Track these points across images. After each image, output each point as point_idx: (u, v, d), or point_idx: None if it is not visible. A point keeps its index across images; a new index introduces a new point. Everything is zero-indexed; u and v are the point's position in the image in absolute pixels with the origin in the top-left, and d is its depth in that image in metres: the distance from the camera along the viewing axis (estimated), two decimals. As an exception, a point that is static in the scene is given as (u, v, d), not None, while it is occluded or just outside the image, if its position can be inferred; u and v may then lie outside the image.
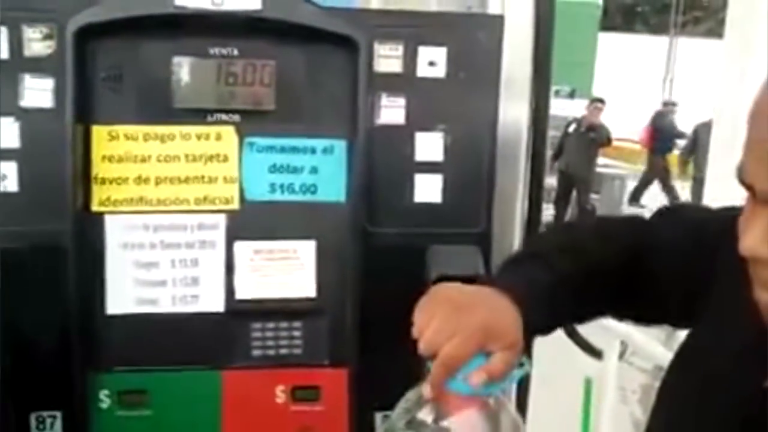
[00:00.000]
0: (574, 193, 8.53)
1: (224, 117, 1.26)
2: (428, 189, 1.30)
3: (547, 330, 0.93)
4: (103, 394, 1.26)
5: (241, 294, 1.29)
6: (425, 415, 0.77)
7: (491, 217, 1.31)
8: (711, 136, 2.46)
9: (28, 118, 1.18)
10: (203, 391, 1.28)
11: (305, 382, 1.30)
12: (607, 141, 8.49)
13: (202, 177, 1.27)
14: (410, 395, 0.79)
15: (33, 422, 1.22)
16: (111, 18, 1.19)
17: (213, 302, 1.28)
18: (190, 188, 1.27)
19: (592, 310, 1.00)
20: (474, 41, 1.28)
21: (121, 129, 1.24)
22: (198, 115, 1.25)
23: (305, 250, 1.30)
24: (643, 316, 1.04)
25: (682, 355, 0.91)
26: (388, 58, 1.26)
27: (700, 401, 0.82)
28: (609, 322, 1.64)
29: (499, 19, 1.31)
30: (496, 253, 1.30)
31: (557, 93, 10.50)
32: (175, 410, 1.27)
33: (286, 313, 1.30)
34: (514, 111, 1.35)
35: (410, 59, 1.27)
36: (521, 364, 0.78)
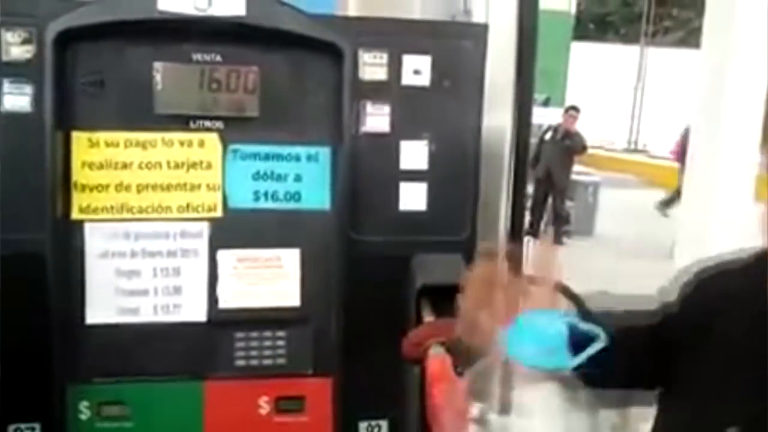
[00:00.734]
0: (550, 200, 8.58)
1: (207, 124, 1.25)
2: (413, 197, 1.29)
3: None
4: (83, 405, 1.23)
5: (224, 303, 1.27)
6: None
7: (475, 225, 1.31)
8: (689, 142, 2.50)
9: (6, 123, 1.16)
10: (185, 402, 1.26)
11: (289, 392, 1.29)
12: (582, 149, 8.55)
13: (185, 184, 1.25)
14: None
15: None
16: (91, 22, 1.17)
17: (195, 312, 1.26)
18: (172, 196, 1.25)
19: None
20: (458, 50, 1.28)
21: (101, 135, 1.22)
22: (180, 122, 1.24)
23: (289, 259, 1.29)
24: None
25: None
26: (372, 66, 1.26)
27: None
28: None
29: (483, 28, 1.31)
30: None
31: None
32: (156, 422, 1.25)
33: (269, 322, 1.29)
34: (497, 119, 1.35)
35: (395, 67, 1.26)
36: (595, 338, 0.68)
